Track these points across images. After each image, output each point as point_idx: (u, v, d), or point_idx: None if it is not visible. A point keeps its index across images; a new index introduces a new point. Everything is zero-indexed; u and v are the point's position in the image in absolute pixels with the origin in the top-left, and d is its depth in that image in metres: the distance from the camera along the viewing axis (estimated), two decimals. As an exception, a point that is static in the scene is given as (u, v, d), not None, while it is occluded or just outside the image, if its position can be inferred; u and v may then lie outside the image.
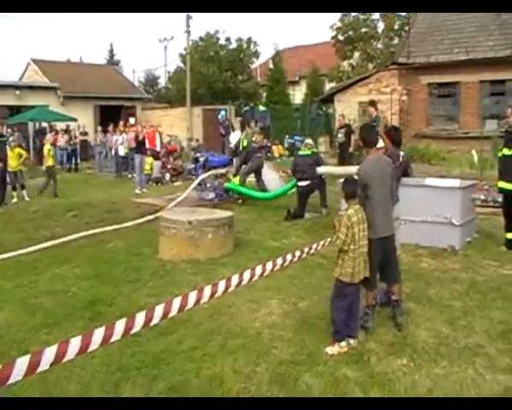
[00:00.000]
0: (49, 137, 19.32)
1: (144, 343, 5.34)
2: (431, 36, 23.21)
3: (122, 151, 20.73)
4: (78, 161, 24.43)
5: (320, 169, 11.21)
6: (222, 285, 3.70)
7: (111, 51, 50.97)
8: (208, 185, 13.80)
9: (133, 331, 3.08)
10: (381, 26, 33.11)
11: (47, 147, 16.94)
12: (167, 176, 18.72)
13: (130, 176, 19.84)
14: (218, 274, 7.20)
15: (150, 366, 4.94)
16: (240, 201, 12.98)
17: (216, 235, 8.48)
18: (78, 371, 4.81)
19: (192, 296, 3.40)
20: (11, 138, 17.90)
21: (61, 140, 24.04)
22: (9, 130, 22.21)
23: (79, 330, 5.01)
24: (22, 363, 2.66)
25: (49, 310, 6.53)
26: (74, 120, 27.21)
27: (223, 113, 24.65)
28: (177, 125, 29.22)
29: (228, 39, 37.07)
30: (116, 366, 4.96)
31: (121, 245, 9.65)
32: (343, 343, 5.13)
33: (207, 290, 3.50)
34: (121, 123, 23.62)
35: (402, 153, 6.84)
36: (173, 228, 8.45)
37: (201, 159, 17.74)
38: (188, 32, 30.96)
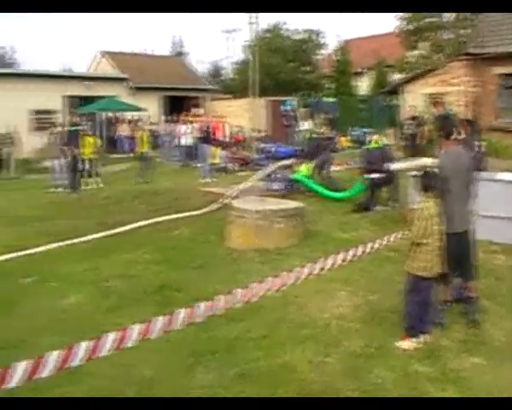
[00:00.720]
0: (142, 124, 20.02)
1: (217, 328, 5.39)
2: (503, 25, 22.23)
3: (189, 140, 21.03)
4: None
5: (393, 166, 10.96)
6: (304, 273, 3.70)
7: (178, 43, 51.63)
8: (277, 176, 13.82)
9: (215, 312, 3.13)
10: (448, 14, 31.99)
11: (146, 134, 17.65)
12: (233, 166, 18.84)
13: (195, 165, 20.08)
14: (285, 264, 7.20)
15: (222, 352, 5.02)
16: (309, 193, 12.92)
17: (285, 225, 8.48)
18: (153, 355, 4.93)
19: (276, 283, 3.43)
20: (84, 128, 18.51)
21: (126, 129, 24.79)
22: (78, 119, 22.91)
23: (152, 314, 5.11)
24: (107, 340, 2.76)
25: (121, 293, 6.75)
26: (144, 110, 27.77)
27: (292, 103, 24.41)
28: (241, 116, 29.31)
29: (294, 30, 36.99)
30: (189, 351, 5.06)
31: (188, 233, 9.82)
32: (416, 339, 5.04)
33: (291, 277, 3.51)
34: (189, 113, 23.94)
35: (477, 143, 6.61)
36: (242, 217, 8.51)
37: (272, 149, 17.73)
38: (254, 23, 30.95)
